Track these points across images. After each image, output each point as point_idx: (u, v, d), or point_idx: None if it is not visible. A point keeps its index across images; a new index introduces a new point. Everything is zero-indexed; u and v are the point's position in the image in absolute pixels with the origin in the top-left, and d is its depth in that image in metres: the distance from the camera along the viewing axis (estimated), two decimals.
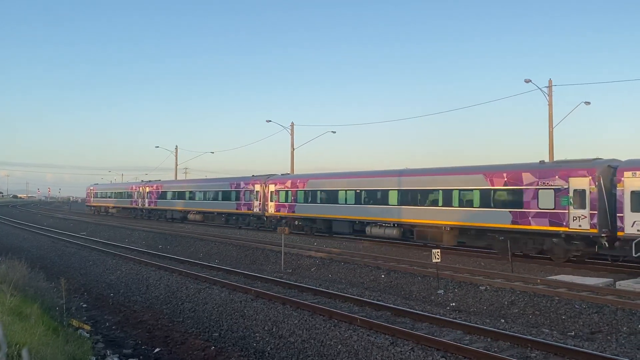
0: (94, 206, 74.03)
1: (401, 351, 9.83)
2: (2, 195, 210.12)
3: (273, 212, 36.99)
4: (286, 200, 35.70)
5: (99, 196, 72.08)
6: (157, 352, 11.29)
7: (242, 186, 40.68)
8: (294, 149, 53.31)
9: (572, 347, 9.92)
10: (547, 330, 12.03)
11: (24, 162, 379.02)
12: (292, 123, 53.58)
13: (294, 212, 34.81)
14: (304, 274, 20.74)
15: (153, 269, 20.53)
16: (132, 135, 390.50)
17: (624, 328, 12.28)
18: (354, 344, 10.48)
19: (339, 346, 10.54)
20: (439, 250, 17.30)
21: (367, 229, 28.58)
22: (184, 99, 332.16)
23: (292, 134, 53.48)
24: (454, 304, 15.32)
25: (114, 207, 66.06)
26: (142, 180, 61.35)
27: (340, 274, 20.20)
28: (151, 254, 25.68)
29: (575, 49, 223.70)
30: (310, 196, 33.40)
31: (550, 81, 35.23)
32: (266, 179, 38.70)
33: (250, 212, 39.77)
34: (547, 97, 35.37)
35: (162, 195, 53.30)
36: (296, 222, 35.11)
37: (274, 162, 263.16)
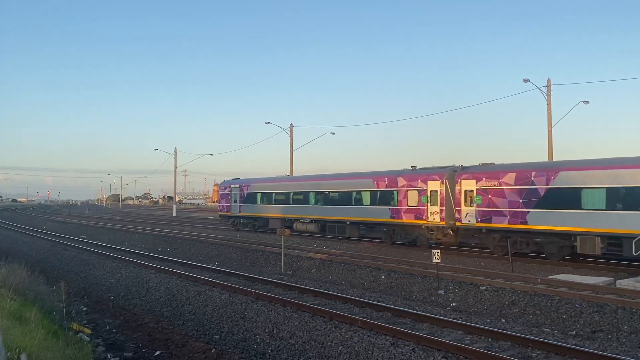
0: (242, 217, 40.79)
1: (402, 352, 9.82)
2: (2, 199, 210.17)
3: None
4: None
5: (257, 200, 38.99)
6: (157, 355, 11.27)
7: None
8: (293, 151, 53.38)
9: (573, 347, 9.91)
10: (548, 330, 12.03)
11: (23, 165, 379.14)
12: (291, 124, 53.64)
13: None
14: (304, 275, 20.73)
15: (153, 272, 20.50)
16: (130, 138, 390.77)
17: (625, 327, 12.28)
18: (354, 345, 10.47)
19: (340, 347, 10.53)
20: (439, 250, 17.31)
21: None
22: (183, 102, 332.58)
23: (291, 136, 53.55)
24: (454, 304, 15.31)
25: (312, 222, 33.49)
26: (414, 167, 28.01)
27: (340, 275, 20.19)
28: (151, 257, 25.66)
29: (574, 49, 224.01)
30: None
31: (548, 80, 35.34)
32: None
33: None
34: (546, 97, 35.43)
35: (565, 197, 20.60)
36: None
37: (273, 164, 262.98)
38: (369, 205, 28.74)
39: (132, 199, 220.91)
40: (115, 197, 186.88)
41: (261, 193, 38.90)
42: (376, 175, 28.96)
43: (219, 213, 45.01)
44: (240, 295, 15.47)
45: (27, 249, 31.92)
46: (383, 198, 27.92)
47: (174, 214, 77.37)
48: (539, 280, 16.68)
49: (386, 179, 27.92)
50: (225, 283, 17.16)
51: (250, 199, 39.90)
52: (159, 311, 15.17)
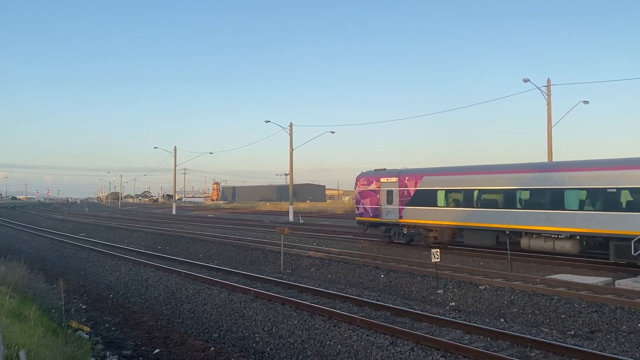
0: (405, 225, 26.71)
1: (401, 351, 9.83)
2: (1, 197, 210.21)
3: None
4: None
5: (437, 201, 25.18)
6: (156, 353, 11.28)
7: None
8: (292, 150, 53.38)
9: (572, 346, 9.92)
10: (547, 330, 12.04)
11: (23, 163, 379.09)
12: (291, 123, 53.71)
13: None
14: (304, 274, 20.74)
15: (152, 270, 20.51)
16: (130, 136, 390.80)
17: (624, 327, 12.29)
18: (353, 344, 10.48)
19: (339, 346, 10.54)
20: (438, 250, 17.31)
21: None
22: (183, 100, 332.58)
23: (290, 135, 53.54)
24: (453, 303, 15.32)
25: (570, 237, 20.14)
26: None
27: (339, 274, 20.20)
28: (150, 255, 25.67)
29: (574, 49, 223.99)
30: None
31: (548, 80, 35.35)
32: None
33: None
34: (546, 97, 35.43)
35: None
36: None
37: (272, 163, 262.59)
38: None
39: (132, 197, 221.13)
40: (115, 195, 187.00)
41: (447, 190, 25.03)
42: None
43: (357, 218, 30.08)
44: (239, 293, 15.48)
45: (26, 246, 31.91)
46: None
47: (174, 212, 77.42)
48: (538, 280, 16.70)
49: None
50: (224, 281, 17.17)
51: (422, 198, 25.94)
52: (158, 309, 15.18)
